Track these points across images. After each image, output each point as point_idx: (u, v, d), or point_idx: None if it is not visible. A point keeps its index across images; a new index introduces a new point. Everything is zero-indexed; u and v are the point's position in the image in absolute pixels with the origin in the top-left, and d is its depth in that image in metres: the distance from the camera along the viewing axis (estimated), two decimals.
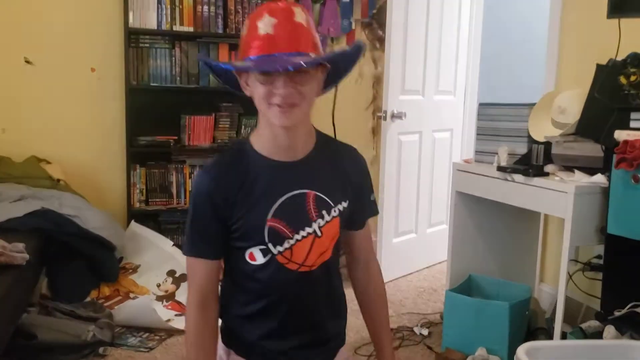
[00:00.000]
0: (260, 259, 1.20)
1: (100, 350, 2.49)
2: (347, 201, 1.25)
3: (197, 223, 1.21)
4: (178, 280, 3.12)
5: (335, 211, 1.23)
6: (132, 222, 3.39)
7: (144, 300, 2.88)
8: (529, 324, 2.60)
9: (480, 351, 2.41)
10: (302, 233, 1.20)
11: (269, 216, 1.18)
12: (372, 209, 1.35)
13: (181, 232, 3.41)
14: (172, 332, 2.72)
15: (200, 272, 1.22)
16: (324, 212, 1.21)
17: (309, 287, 1.24)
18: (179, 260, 3.19)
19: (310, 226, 1.20)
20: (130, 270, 3.18)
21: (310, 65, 1.10)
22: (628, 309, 2.16)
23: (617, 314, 2.18)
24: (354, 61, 1.22)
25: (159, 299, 3.01)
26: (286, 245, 1.19)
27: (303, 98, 1.13)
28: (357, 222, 1.33)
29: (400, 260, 3.58)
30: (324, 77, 1.19)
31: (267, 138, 1.20)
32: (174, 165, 3.61)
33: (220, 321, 1.29)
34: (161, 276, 3.13)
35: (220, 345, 1.30)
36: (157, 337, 2.67)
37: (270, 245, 1.19)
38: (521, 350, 1.74)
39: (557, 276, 2.37)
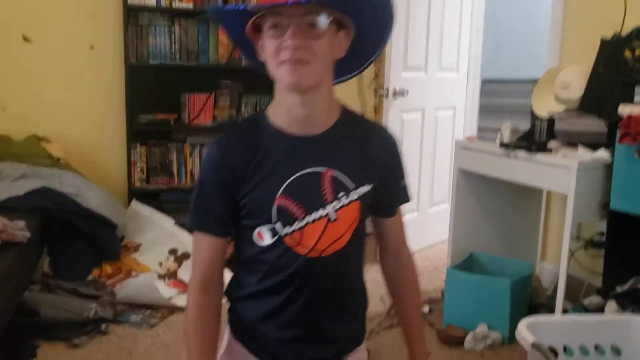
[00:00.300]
0: (267, 239, 1.12)
1: (103, 327, 2.50)
2: (371, 185, 1.14)
3: (203, 197, 1.15)
4: (180, 258, 3.12)
5: (354, 195, 1.12)
6: (133, 200, 3.39)
7: (146, 278, 2.89)
8: (530, 301, 2.60)
9: (481, 327, 2.41)
10: (315, 215, 1.10)
11: (279, 194, 1.09)
12: (403, 196, 1.24)
13: (182, 211, 3.41)
14: (173, 309, 2.72)
15: (204, 248, 1.16)
16: (341, 194, 1.11)
17: (317, 275, 1.13)
18: (181, 239, 3.19)
19: (324, 208, 1.10)
20: (132, 249, 3.18)
21: (317, 2, 0.99)
22: (630, 285, 2.16)
23: (619, 290, 2.18)
24: (385, 26, 1.10)
25: (161, 277, 3.01)
26: (295, 226, 1.10)
27: (314, 55, 1.03)
28: (387, 209, 1.23)
29: None
30: (347, 44, 1.10)
31: (282, 109, 1.11)
32: (175, 144, 3.60)
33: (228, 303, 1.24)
34: (163, 255, 3.13)
35: (227, 329, 1.26)
36: (159, 315, 2.68)
37: (278, 225, 1.10)
38: (522, 325, 1.73)
39: (558, 253, 2.36)
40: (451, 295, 2.56)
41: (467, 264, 2.68)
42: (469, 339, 2.38)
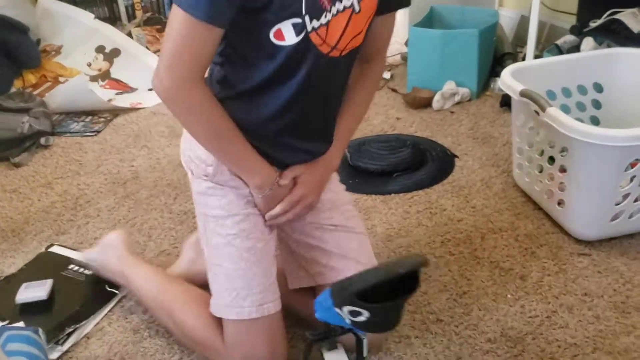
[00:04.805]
0: (290, 38, 0.95)
1: (42, 140, 2.26)
2: None
3: None
4: (109, 56, 2.79)
5: None
6: None
7: (78, 81, 2.57)
8: (495, 52, 2.47)
9: (449, 84, 2.30)
10: (339, 6, 0.96)
11: None
12: None
13: (100, 2, 2.99)
14: (117, 112, 2.48)
15: (206, 39, 0.92)
16: None
17: (331, 78, 1.07)
18: (105, 34, 2.83)
19: None
20: (53, 52, 2.82)
21: None
22: (605, 18, 2.03)
23: (592, 25, 2.06)
24: None
25: (94, 79, 2.72)
26: (323, 20, 0.96)
27: None
28: (387, 4, 1.09)
29: None
30: None
31: None
32: None
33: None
34: (90, 54, 2.80)
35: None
36: (102, 119, 2.44)
37: (307, 18, 0.94)
38: (506, 73, 1.61)
39: None
40: (415, 55, 2.39)
41: (427, 21, 2.48)
42: (437, 99, 2.27)
